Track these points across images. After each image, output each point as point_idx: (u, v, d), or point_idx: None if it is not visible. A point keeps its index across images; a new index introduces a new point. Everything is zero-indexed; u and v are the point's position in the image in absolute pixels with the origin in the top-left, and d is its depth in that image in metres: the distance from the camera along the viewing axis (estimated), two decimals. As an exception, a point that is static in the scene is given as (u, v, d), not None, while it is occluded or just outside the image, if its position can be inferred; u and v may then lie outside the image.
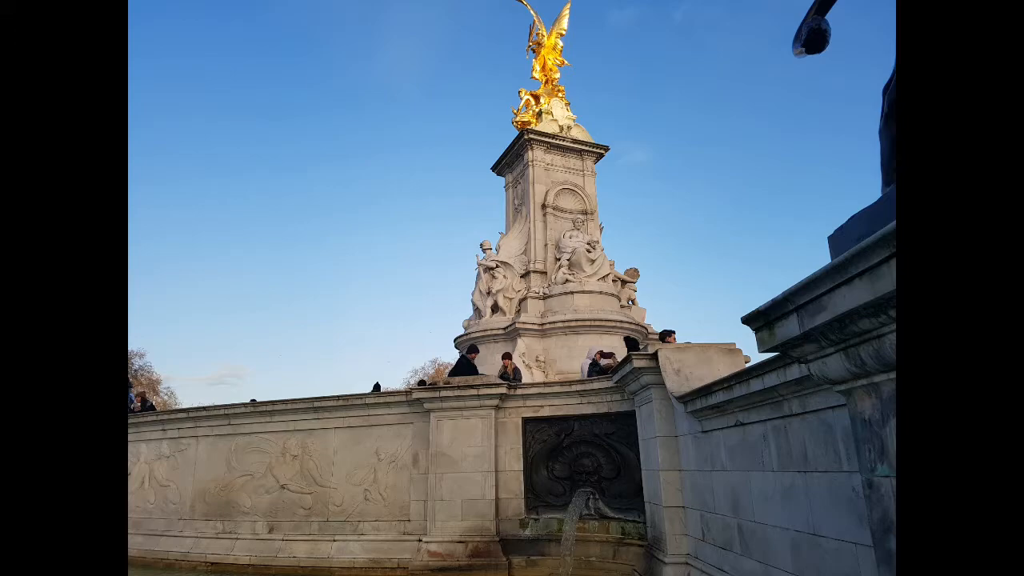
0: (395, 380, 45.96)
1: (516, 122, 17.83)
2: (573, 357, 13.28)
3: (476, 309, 15.87)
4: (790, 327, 2.38)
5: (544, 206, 15.95)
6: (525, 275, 15.47)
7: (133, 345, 41.98)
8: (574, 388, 9.32)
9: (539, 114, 17.36)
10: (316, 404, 10.40)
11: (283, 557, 9.64)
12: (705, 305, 79.46)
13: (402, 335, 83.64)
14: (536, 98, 18.03)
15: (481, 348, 12.88)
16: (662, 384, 6.94)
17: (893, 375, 2.06)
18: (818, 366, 2.49)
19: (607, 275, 15.18)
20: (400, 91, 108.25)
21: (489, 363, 12.66)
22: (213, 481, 10.89)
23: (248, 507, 10.44)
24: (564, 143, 16.68)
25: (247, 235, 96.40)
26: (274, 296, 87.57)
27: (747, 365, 5.39)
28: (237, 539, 10.23)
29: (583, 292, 14.48)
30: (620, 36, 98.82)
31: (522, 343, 13.83)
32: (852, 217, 2.17)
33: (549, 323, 14.16)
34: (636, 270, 16.26)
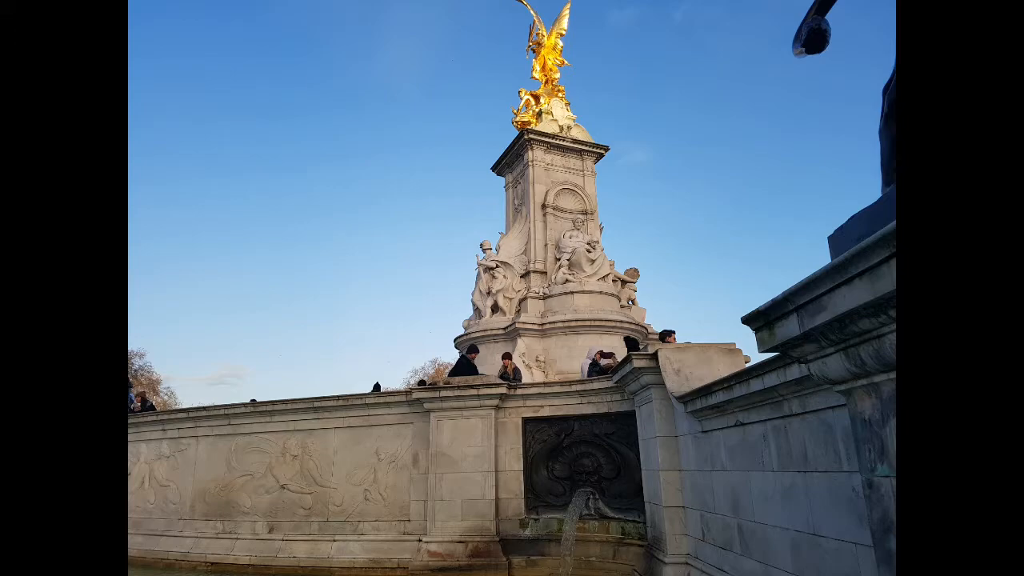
0: (395, 380, 46.00)
1: (516, 122, 17.83)
2: (573, 357, 13.28)
3: (476, 309, 15.87)
4: (790, 327, 2.38)
5: (544, 206, 15.95)
6: (525, 275, 15.46)
7: (133, 345, 42.01)
8: (574, 388, 9.31)
9: (539, 114, 17.35)
10: (316, 404, 10.40)
11: (283, 557, 9.64)
12: (705, 305, 79.53)
13: (402, 335, 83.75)
14: (536, 98, 18.02)
15: (481, 348, 12.88)
16: (662, 384, 6.94)
17: (893, 375, 2.06)
18: (818, 366, 2.49)
19: (607, 275, 15.18)
20: (400, 91, 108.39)
21: (489, 363, 12.66)
22: (213, 481, 10.89)
23: (248, 507, 10.44)
24: (564, 143, 16.67)
25: (247, 235, 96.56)
26: (274, 296, 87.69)
27: (747, 365, 5.39)
28: (237, 539, 10.23)
29: (583, 292, 14.47)
30: (620, 36, 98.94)
31: (522, 343, 13.83)
32: (852, 217, 2.17)
33: (549, 323, 14.16)
34: (636, 270, 16.26)
